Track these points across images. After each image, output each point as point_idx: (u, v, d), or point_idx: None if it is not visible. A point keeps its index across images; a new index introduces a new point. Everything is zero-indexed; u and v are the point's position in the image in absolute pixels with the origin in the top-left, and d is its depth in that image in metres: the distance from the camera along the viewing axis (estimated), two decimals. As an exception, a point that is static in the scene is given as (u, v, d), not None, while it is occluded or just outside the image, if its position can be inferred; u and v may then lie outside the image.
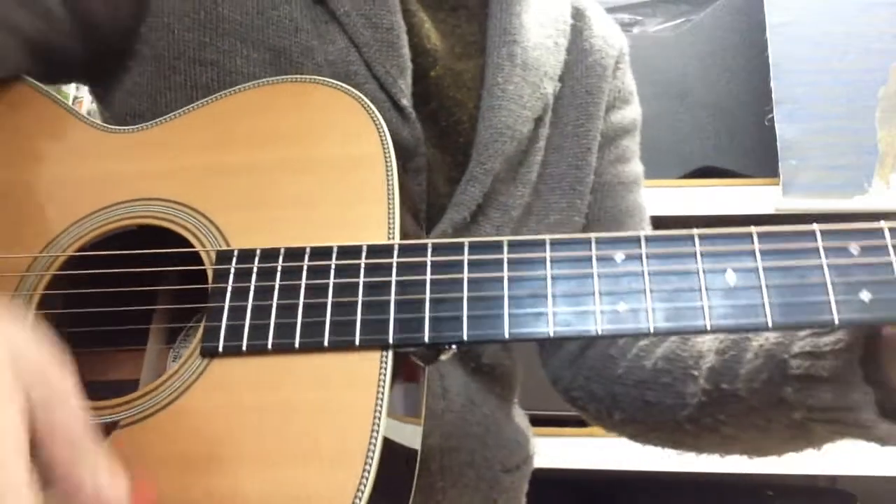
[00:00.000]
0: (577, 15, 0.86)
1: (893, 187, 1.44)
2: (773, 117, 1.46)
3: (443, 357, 0.59)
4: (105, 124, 0.71)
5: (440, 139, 0.75)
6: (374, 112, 0.64)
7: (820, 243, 0.54)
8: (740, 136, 1.56)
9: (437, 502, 0.72)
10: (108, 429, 0.58)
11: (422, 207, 0.73)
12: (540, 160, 0.79)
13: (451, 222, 0.73)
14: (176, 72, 0.72)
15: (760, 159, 1.51)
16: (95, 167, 0.68)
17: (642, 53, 1.60)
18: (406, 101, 0.71)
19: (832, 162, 1.46)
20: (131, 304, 0.65)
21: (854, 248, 0.54)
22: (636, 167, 0.91)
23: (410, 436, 0.61)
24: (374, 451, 0.53)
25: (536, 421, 0.92)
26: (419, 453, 0.61)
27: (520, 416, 0.88)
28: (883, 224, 0.54)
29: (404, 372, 0.59)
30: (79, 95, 1.63)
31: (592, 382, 0.81)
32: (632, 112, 0.91)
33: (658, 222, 1.47)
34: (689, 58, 1.61)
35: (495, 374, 0.80)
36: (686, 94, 1.60)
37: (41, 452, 0.43)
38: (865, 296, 0.53)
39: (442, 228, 0.73)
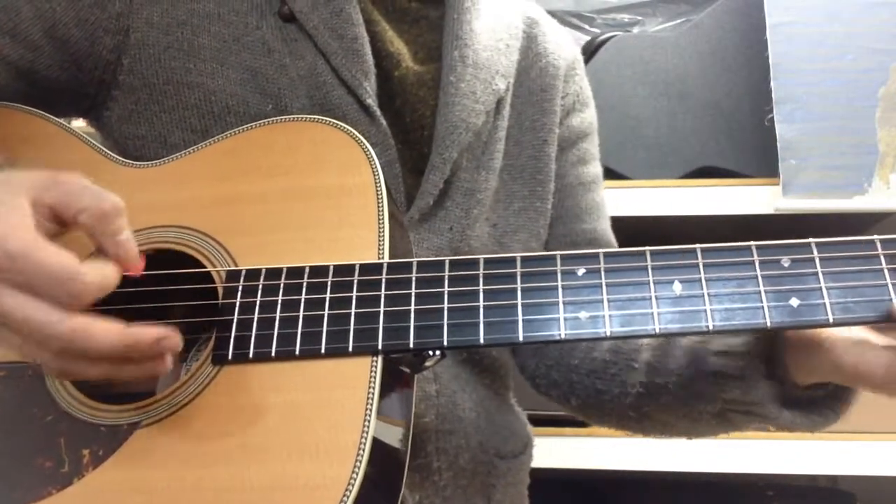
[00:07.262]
0: (531, 23, 1.00)
1: (893, 187, 1.51)
2: (773, 117, 1.53)
3: (427, 363, 0.71)
4: (122, 158, 0.83)
5: (407, 134, 0.88)
6: (366, 146, 0.76)
7: (756, 257, 0.67)
8: (740, 136, 1.64)
9: (433, 483, 0.84)
10: (131, 429, 0.70)
11: (398, 199, 0.85)
12: (502, 149, 0.92)
13: (417, 209, 0.85)
14: (167, 95, 0.85)
15: (760, 159, 1.59)
16: None
17: (642, 53, 1.70)
18: (371, 101, 0.84)
19: (832, 162, 1.53)
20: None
21: (785, 261, 0.66)
22: (595, 168, 1.04)
23: (400, 434, 0.72)
24: (364, 445, 0.64)
25: (536, 421, 1.03)
26: (409, 448, 0.72)
27: (516, 411, 1.00)
28: (811, 240, 0.66)
29: (394, 376, 0.71)
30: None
31: (553, 371, 0.95)
32: (589, 116, 1.04)
33: (658, 222, 1.58)
34: (689, 58, 1.69)
35: (484, 365, 0.92)
36: (686, 94, 1.68)
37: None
38: (794, 302, 0.65)
39: (410, 215, 0.85)
